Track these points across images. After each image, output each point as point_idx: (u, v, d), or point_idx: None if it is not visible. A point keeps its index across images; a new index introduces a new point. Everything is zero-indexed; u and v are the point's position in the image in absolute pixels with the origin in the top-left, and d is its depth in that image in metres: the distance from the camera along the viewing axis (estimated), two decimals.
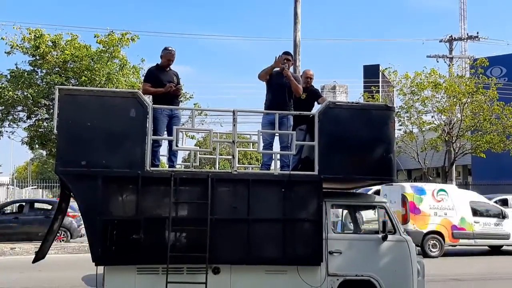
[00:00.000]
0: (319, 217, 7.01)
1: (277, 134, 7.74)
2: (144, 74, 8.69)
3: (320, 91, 9.38)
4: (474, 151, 20.06)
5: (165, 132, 7.78)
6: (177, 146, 7.39)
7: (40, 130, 18.43)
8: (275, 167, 7.52)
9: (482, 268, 13.92)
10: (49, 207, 18.57)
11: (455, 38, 34.53)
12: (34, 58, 18.21)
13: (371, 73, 36.94)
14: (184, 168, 9.56)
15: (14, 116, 18.85)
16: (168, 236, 6.64)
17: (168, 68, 8.13)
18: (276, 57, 7.86)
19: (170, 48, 8.07)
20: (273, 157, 7.79)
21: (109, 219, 6.65)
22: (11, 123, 19.04)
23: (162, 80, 7.89)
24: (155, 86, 7.86)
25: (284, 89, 7.90)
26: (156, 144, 7.49)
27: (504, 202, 22.91)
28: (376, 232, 7.48)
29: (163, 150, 7.91)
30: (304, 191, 7.07)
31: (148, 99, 7.39)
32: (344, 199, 7.93)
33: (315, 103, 8.62)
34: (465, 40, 37.09)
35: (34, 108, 18.10)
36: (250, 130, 12.16)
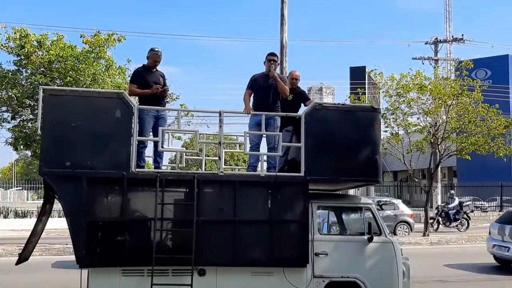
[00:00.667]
0: (305, 219, 7.01)
1: (264, 135, 7.73)
2: (130, 75, 8.62)
3: (306, 92, 9.39)
4: (459, 153, 20.17)
5: (151, 133, 7.73)
6: (162, 147, 7.34)
7: (24, 130, 18.21)
8: (262, 169, 7.51)
9: None
10: None
11: (440, 40, 34.90)
12: (19, 58, 18.02)
13: (358, 75, 37.11)
14: (170, 169, 9.52)
15: None
16: (153, 237, 6.59)
17: (155, 69, 8.07)
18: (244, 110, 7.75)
19: (156, 49, 8.01)
20: (260, 158, 7.77)
21: (94, 220, 6.58)
22: None
23: (148, 81, 7.82)
24: (142, 87, 7.79)
25: (270, 91, 7.88)
26: (142, 145, 7.43)
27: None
28: (362, 234, 7.49)
29: (149, 151, 7.87)
30: (290, 192, 7.07)
31: (134, 99, 7.33)
32: (330, 200, 7.94)
33: (302, 104, 8.62)
34: (450, 42, 37.49)
35: (19, 109, 17.91)
36: (237, 132, 12.15)
